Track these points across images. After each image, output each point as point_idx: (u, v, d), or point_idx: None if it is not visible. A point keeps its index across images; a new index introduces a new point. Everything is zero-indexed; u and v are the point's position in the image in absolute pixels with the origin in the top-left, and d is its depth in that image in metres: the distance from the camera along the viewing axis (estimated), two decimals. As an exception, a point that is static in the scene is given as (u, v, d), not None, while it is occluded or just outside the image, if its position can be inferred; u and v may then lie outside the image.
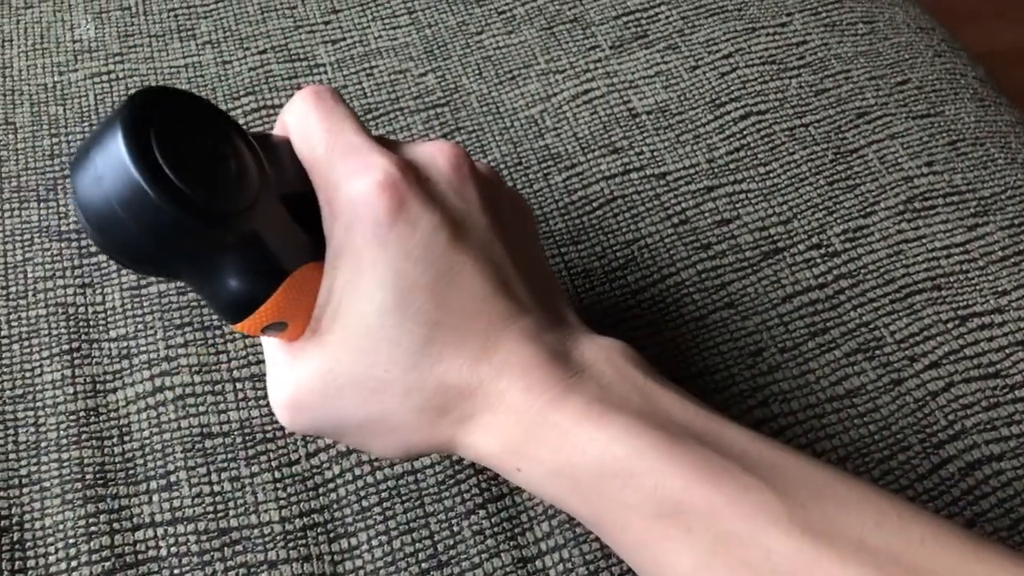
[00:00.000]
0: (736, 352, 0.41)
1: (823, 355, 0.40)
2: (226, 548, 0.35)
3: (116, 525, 0.36)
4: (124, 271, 0.42)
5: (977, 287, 0.42)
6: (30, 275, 0.42)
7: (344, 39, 0.52)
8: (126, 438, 0.37)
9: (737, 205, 0.45)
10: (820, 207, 0.45)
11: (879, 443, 0.38)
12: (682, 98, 0.49)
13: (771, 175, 0.46)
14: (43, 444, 0.37)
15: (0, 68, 0.49)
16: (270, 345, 0.29)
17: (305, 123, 0.28)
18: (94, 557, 0.35)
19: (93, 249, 0.43)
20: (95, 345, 0.40)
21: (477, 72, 0.51)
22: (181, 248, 0.24)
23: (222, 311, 0.27)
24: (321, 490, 0.36)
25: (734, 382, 0.40)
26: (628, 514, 0.26)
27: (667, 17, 0.53)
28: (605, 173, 0.46)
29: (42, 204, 0.44)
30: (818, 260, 0.43)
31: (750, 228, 0.44)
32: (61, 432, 0.38)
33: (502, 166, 0.47)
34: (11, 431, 0.37)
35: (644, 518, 0.26)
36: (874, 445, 0.38)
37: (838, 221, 0.44)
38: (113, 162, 0.23)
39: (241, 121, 0.48)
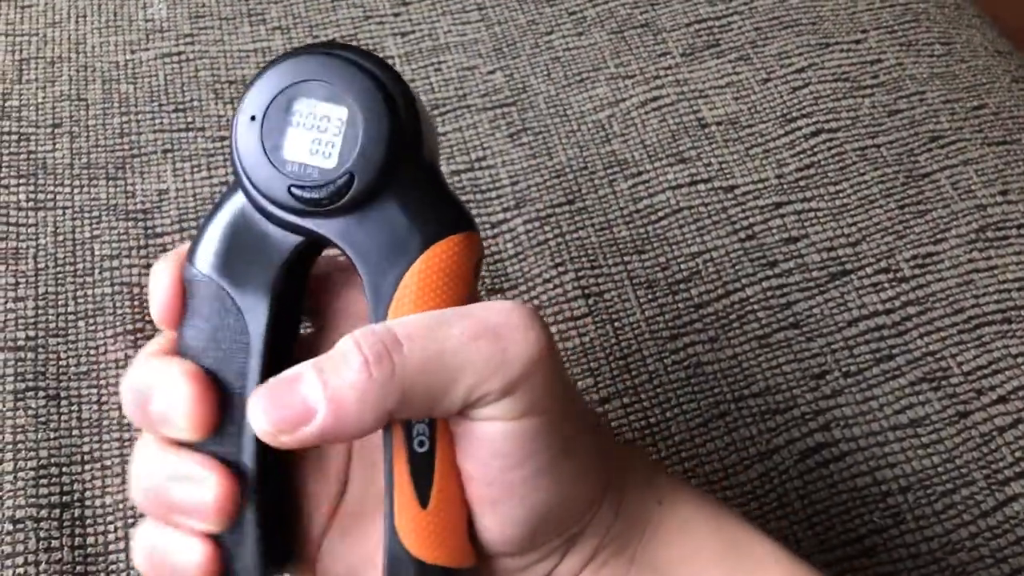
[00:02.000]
0: (799, 373, 0.40)
1: (888, 382, 0.40)
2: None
3: (174, 508, 0.36)
4: (189, 254, 0.43)
5: (1048, 322, 0.41)
6: (97, 252, 0.42)
7: (413, 32, 0.52)
8: (187, 422, 0.38)
9: (805, 223, 0.44)
10: (889, 231, 0.44)
11: (942, 476, 0.37)
12: (753, 111, 0.48)
13: (841, 195, 0.45)
14: (105, 423, 0.38)
15: (74, 44, 0.50)
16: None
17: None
18: (152, 539, 0.35)
19: (159, 230, 0.43)
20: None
21: (545, 73, 0.50)
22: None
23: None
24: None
25: (796, 404, 0.39)
26: None
27: (740, 27, 0.52)
28: (672, 183, 0.46)
29: (110, 182, 0.44)
30: (886, 285, 0.42)
31: (818, 248, 0.43)
32: (123, 411, 0.38)
33: (567, 169, 0.46)
34: (75, 408, 0.38)
35: None
36: (937, 477, 0.37)
37: (908, 246, 0.44)
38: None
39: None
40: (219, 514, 0.24)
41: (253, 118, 0.24)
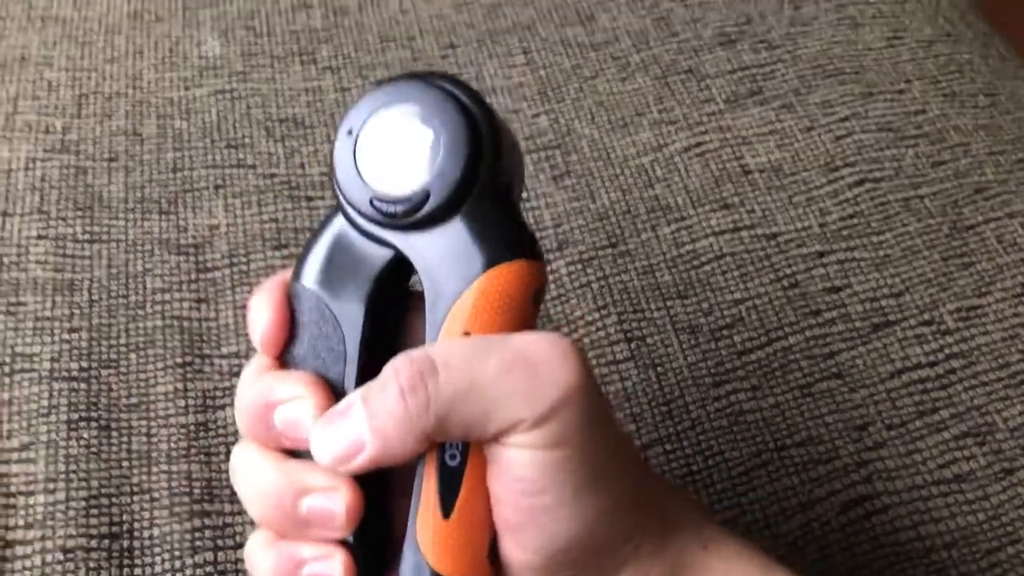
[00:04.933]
0: (841, 424, 0.40)
1: (931, 436, 0.39)
2: None
3: (220, 542, 0.36)
4: (238, 287, 0.43)
5: (1095, 379, 0.41)
6: (149, 286, 0.43)
7: (460, 74, 0.53)
8: (233, 456, 0.38)
9: (848, 273, 0.44)
10: (933, 282, 0.44)
11: (987, 533, 0.37)
12: (796, 159, 0.49)
13: (884, 245, 0.45)
14: (154, 455, 0.38)
15: (131, 79, 0.51)
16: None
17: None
18: (197, 572, 0.35)
19: (209, 264, 0.44)
20: (207, 360, 0.41)
21: (590, 117, 0.51)
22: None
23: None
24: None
25: (838, 455, 0.39)
26: None
27: (783, 75, 0.53)
28: (715, 229, 0.46)
29: (163, 216, 0.46)
30: (929, 337, 0.42)
31: (861, 298, 0.43)
32: (171, 444, 0.38)
33: (610, 213, 0.47)
34: (125, 439, 0.38)
35: None
36: (982, 535, 0.37)
37: (951, 298, 0.43)
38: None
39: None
40: (350, 522, 0.25)
41: (350, 132, 0.26)
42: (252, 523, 0.36)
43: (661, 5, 0.57)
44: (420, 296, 0.28)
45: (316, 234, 0.27)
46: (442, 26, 0.56)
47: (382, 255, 0.26)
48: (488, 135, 0.25)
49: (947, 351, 0.42)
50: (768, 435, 0.40)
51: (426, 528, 0.25)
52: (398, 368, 0.24)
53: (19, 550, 0.35)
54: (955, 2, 0.58)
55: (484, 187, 0.25)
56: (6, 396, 0.39)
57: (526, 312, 0.25)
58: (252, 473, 0.26)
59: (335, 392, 0.26)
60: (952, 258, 0.45)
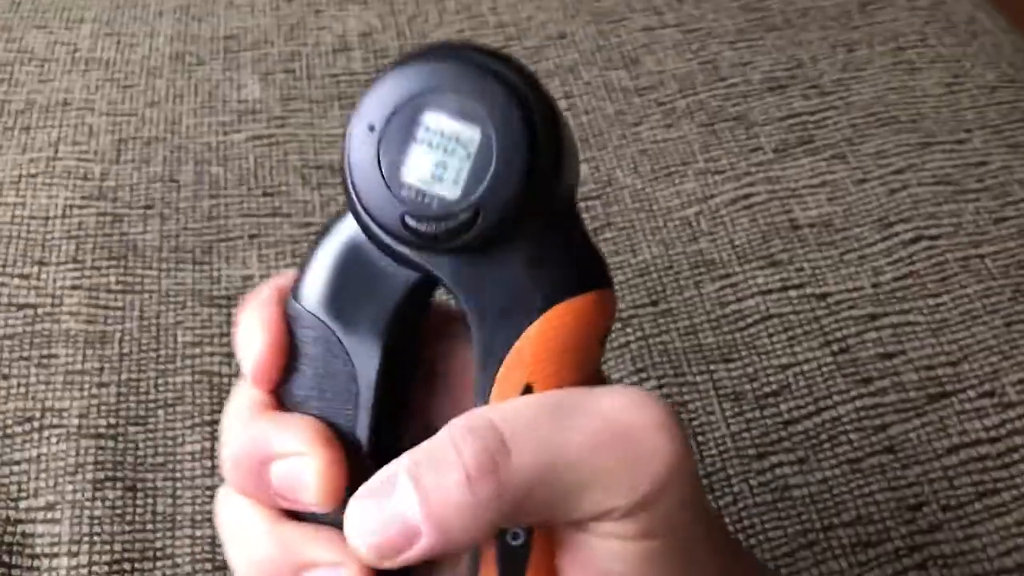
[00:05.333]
0: (894, 503, 0.38)
1: (992, 520, 0.37)
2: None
3: (241, 613, 0.35)
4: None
5: None
6: (179, 339, 0.42)
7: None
8: (258, 521, 0.37)
9: (902, 338, 0.42)
10: (995, 350, 0.42)
11: (1052, 630, 0.35)
12: (848, 213, 0.47)
13: (941, 308, 0.43)
14: (178, 518, 0.38)
15: (170, 124, 0.51)
16: None
17: None
18: (218, 644, 0.35)
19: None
20: (236, 418, 0.40)
21: (632, 166, 0.49)
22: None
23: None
24: None
25: (889, 537, 0.37)
26: None
27: (835, 123, 0.51)
28: (761, 287, 0.44)
29: (196, 267, 0.45)
30: (990, 410, 0.40)
31: (916, 366, 0.41)
32: (196, 507, 0.38)
33: (652, 268, 0.45)
34: (150, 500, 0.38)
35: None
36: (1047, 632, 0.35)
37: (1015, 368, 0.41)
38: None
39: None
40: None
41: (372, 128, 0.20)
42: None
43: (708, 48, 0.55)
44: (447, 316, 0.25)
45: (321, 242, 0.22)
46: (483, 69, 0.55)
47: (406, 276, 0.22)
48: (551, 136, 0.20)
49: (1009, 426, 0.39)
50: (815, 513, 0.38)
51: None
52: (458, 443, 0.19)
53: (41, 615, 0.35)
54: (1019, 45, 0.56)
55: (546, 202, 0.21)
56: (35, 453, 0.39)
57: (596, 354, 0.21)
58: (241, 534, 0.22)
59: (345, 443, 0.22)
60: (1015, 324, 0.42)
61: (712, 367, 0.42)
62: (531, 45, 0.56)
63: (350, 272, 0.22)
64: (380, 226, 0.21)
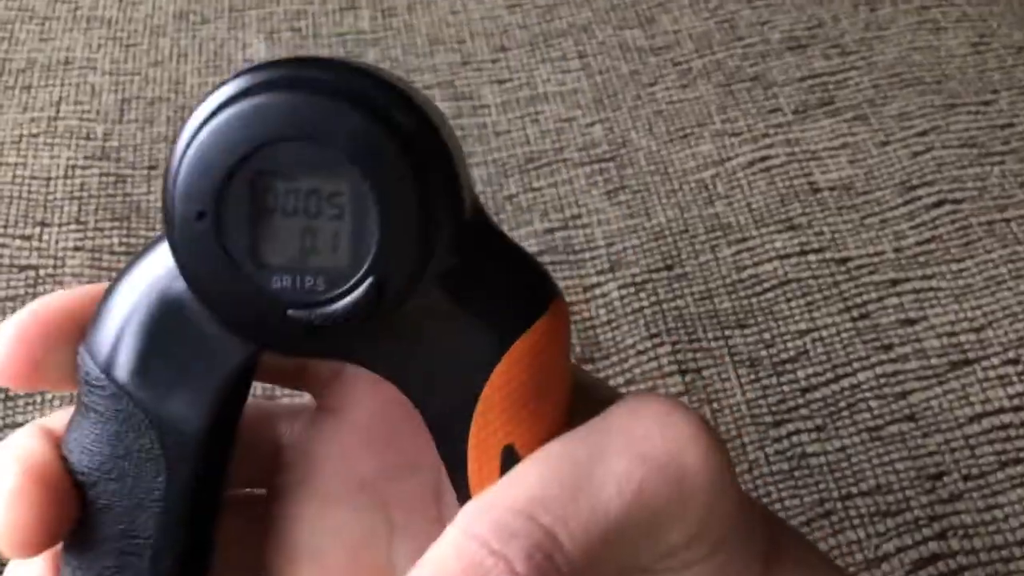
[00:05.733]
0: (914, 472, 0.37)
1: (1014, 489, 0.36)
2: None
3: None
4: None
5: None
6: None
7: (511, 80, 0.50)
8: None
9: (924, 304, 0.41)
10: (1020, 317, 0.40)
11: (1076, 602, 0.34)
12: (869, 176, 0.45)
13: (964, 274, 0.42)
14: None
15: (174, 84, 0.50)
16: None
17: None
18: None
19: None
20: (241, 382, 0.39)
21: (647, 127, 0.48)
22: None
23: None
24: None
25: (909, 507, 0.36)
26: None
27: (857, 84, 0.49)
28: (779, 252, 0.43)
29: (202, 228, 0.44)
30: (1014, 378, 0.39)
31: (938, 332, 0.40)
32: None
33: (667, 232, 0.44)
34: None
35: None
36: (1070, 604, 0.34)
37: (1040, 335, 0.40)
38: None
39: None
40: None
41: (201, 215, 0.16)
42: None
43: (726, 7, 0.54)
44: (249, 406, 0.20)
45: (119, 288, 0.17)
46: (494, 28, 0.53)
47: (239, 354, 0.17)
48: (437, 154, 0.16)
49: (1034, 394, 0.38)
50: (832, 482, 0.37)
51: None
52: (499, 550, 0.16)
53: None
54: (1048, 4, 0.54)
55: (459, 238, 0.17)
56: (38, 416, 0.38)
57: (567, 371, 0.18)
58: None
59: (127, 535, 0.17)
60: (1041, 290, 0.41)
61: (728, 333, 0.41)
62: (543, 4, 0.54)
63: (168, 336, 0.17)
64: (256, 334, 0.17)
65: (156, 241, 0.18)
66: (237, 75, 0.16)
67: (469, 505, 0.17)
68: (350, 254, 0.16)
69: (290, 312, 0.16)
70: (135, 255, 0.18)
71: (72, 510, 0.18)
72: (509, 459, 0.17)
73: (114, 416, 0.17)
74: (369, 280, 0.16)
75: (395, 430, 0.22)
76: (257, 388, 0.25)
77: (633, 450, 0.17)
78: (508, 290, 0.17)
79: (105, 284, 0.18)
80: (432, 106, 0.17)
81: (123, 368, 0.17)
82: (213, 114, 0.15)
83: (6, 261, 0.42)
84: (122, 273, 0.18)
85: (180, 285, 0.17)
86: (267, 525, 0.22)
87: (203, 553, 0.19)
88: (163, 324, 0.17)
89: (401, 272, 0.16)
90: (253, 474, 0.22)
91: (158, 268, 0.17)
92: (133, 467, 0.17)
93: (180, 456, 0.17)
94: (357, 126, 0.15)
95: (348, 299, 0.16)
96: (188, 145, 0.15)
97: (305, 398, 0.23)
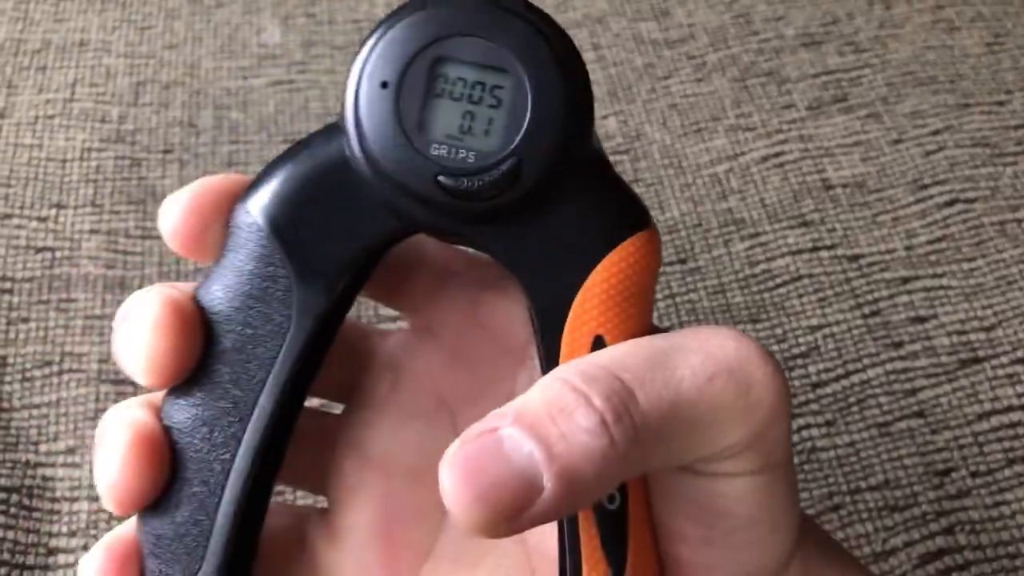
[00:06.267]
0: (922, 468, 0.37)
1: (1022, 486, 0.37)
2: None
3: (262, 561, 0.35)
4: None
5: None
6: (200, 286, 0.42)
7: (526, 70, 0.50)
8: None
9: (935, 302, 0.41)
10: (1029, 316, 0.41)
11: (1080, 599, 0.34)
12: (882, 174, 0.46)
13: (975, 273, 0.42)
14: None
15: (189, 68, 0.50)
16: None
17: None
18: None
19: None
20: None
21: (661, 120, 0.48)
22: None
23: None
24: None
25: (917, 502, 0.37)
26: None
27: (871, 82, 0.49)
28: (792, 247, 0.43)
29: (217, 213, 0.44)
30: (1023, 376, 0.39)
31: (948, 330, 0.40)
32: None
33: (680, 226, 0.44)
34: (170, 448, 0.37)
35: None
36: (1074, 600, 0.34)
37: (1049, 335, 0.40)
38: None
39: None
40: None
41: (384, 84, 0.19)
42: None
43: (741, 1, 0.54)
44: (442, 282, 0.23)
45: (292, 157, 0.20)
46: (509, 18, 0.53)
47: (384, 223, 0.19)
48: (583, 75, 0.19)
49: (1042, 393, 0.39)
50: (841, 476, 0.37)
51: None
52: (584, 388, 0.17)
53: (62, 559, 0.35)
54: (1062, 4, 0.54)
55: (586, 147, 0.20)
56: (55, 397, 0.38)
57: (652, 298, 0.20)
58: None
59: (244, 375, 0.19)
60: (1051, 290, 0.42)
61: (740, 327, 0.41)
62: (558, -6, 0.54)
63: (321, 204, 0.19)
64: (409, 191, 0.19)
65: (313, 134, 0.20)
66: None
67: (562, 365, 0.19)
68: (500, 138, 0.19)
69: (440, 178, 0.18)
70: (301, 141, 0.20)
71: (198, 349, 0.19)
72: (598, 346, 0.19)
73: (258, 256, 0.19)
74: (512, 160, 0.18)
75: (478, 357, 0.23)
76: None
77: (708, 350, 0.18)
78: (619, 202, 0.20)
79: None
80: (578, 51, 0.20)
81: (277, 213, 0.19)
82: (408, 7, 0.19)
83: (23, 242, 0.42)
84: (287, 150, 0.20)
85: (344, 154, 0.19)
86: (341, 432, 0.23)
87: (285, 432, 0.21)
88: (322, 184, 0.19)
89: (540, 157, 0.19)
90: (342, 379, 0.24)
91: (322, 141, 0.20)
92: (261, 314, 0.19)
93: (304, 309, 0.19)
94: (526, 34, 0.19)
95: (491, 173, 0.18)
96: (384, 27, 0.19)
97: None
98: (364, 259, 0.20)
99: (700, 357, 0.18)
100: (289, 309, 0.19)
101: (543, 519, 0.17)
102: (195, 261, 0.24)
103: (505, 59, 0.19)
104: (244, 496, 0.20)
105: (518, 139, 0.19)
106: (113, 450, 0.19)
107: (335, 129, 0.20)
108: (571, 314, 0.19)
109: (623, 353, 0.18)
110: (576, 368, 0.18)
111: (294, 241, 0.19)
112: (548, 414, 0.17)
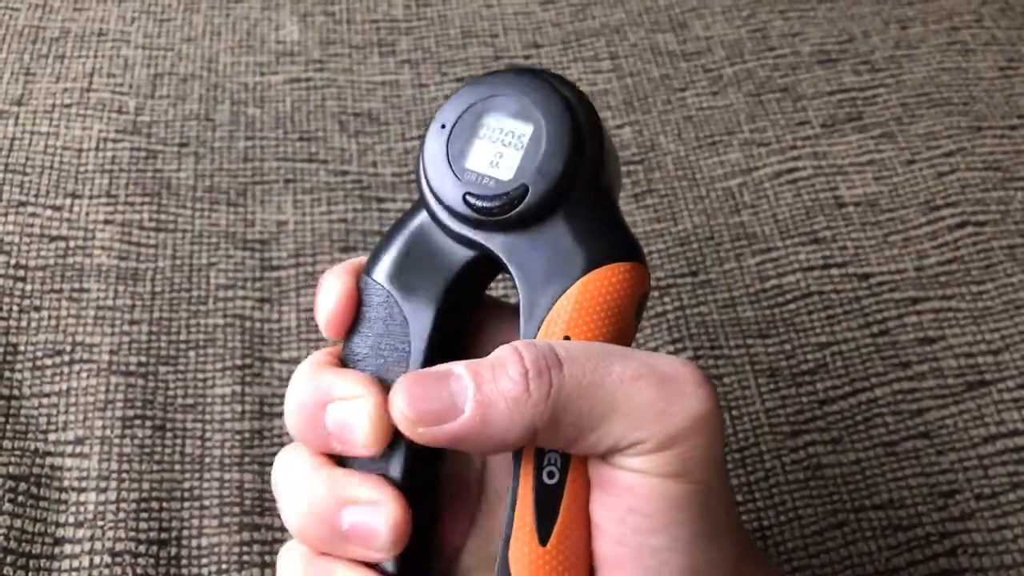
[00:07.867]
0: (926, 489, 0.38)
1: (1025, 511, 0.37)
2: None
3: (268, 558, 0.35)
4: (302, 289, 0.42)
5: None
6: (212, 281, 0.42)
7: (543, 77, 0.51)
8: (287, 469, 0.37)
9: (943, 324, 0.42)
10: (1037, 341, 0.41)
11: (1080, 624, 0.34)
12: (894, 193, 0.46)
13: (984, 296, 0.42)
14: (207, 460, 0.37)
15: (207, 62, 0.50)
16: None
17: None
18: (244, 588, 0.34)
19: (274, 263, 0.43)
20: (266, 364, 0.40)
21: (676, 132, 0.48)
22: None
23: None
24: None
25: (920, 523, 0.37)
26: None
27: (885, 101, 0.50)
28: (803, 264, 0.43)
29: (231, 208, 0.44)
30: (1029, 401, 0.39)
31: (955, 353, 0.41)
32: (225, 450, 0.37)
33: (692, 238, 0.44)
34: (179, 441, 0.38)
35: None
36: (1074, 626, 0.34)
37: (1056, 361, 0.40)
38: None
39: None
40: (394, 543, 0.23)
41: (443, 126, 0.25)
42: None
43: (758, 16, 0.54)
44: (493, 309, 0.28)
45: (395, 228, 0.26)
46: (527, 23, 0.53)
47: (461, 256, 0.25)
48: (590, 130, 0.25)
49: (1047, 419, 0.39)
50: (846, 494, 0.37)
51: (521, 555, 0.23)
52: (519, 350, 0.22)
53: (68, 548, 0.35)
54: (1076, 32, 0.55)
55: (586, 184, 0.24)
56: (65, 386, 0.38)
57: (629, 322, 0.24)
58: (293, 480, 0.24)
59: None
60: (1058, 316, 0.42)
61: (749, 341, 0.41)
62: (576, 2, 0.55)
63: (416, 251, 0.25)
64: (445, 207, 0.25)
65: (411, 209, 0.26)
66: (500, 70, 0.26)
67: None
68: (517, 171, 0.24)
69: (467, 196, 0.24)
70: (397, 219, 0.27)
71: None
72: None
73: (379, 308, 0.25)
74: (520, 187, 0.24)
75: None
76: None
77: (651, 362, 0.22)
78: (604, 237, 0.24)
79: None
80: (601, 120, 0.25)
81: (388, 275, 0.25)
82: (477, 77, 0.26)
83: (37, 230, 0.42)
84: (389, 229, 0.26)
85: (426, 224, 0.25)
86: None
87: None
88: (413, 247, 0.26)
89: (542, 187, 0.24)
90: None
91: (411, 220, 0.26)
92: (389, 341, 0.25)
93: (420, 329, 0.25)
94: (550, 95, 0.24)
95: (503, 196, 0.24)
96: (458, 89, 0.25)
97: None
98: (453, 288, 0.25)
99: (638, 363, 0.22)
100: (408, 335, 0.25)
101: (455, 438, 0.21)
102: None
103: (533, 115, 0.24)
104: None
105: (529, 173, 0.24)
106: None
107: (417, 204, 0.26)
108: (548, 316, 0.23)
109: (573, 344, 0.22)
110: (525, 340, 0.22)
111: (400, 290, 0.25)
112: (489, 364, 0.22)
